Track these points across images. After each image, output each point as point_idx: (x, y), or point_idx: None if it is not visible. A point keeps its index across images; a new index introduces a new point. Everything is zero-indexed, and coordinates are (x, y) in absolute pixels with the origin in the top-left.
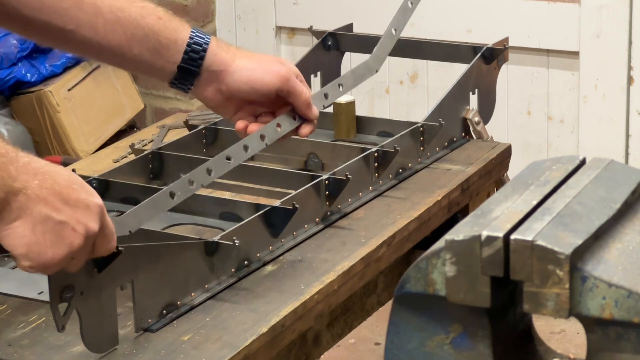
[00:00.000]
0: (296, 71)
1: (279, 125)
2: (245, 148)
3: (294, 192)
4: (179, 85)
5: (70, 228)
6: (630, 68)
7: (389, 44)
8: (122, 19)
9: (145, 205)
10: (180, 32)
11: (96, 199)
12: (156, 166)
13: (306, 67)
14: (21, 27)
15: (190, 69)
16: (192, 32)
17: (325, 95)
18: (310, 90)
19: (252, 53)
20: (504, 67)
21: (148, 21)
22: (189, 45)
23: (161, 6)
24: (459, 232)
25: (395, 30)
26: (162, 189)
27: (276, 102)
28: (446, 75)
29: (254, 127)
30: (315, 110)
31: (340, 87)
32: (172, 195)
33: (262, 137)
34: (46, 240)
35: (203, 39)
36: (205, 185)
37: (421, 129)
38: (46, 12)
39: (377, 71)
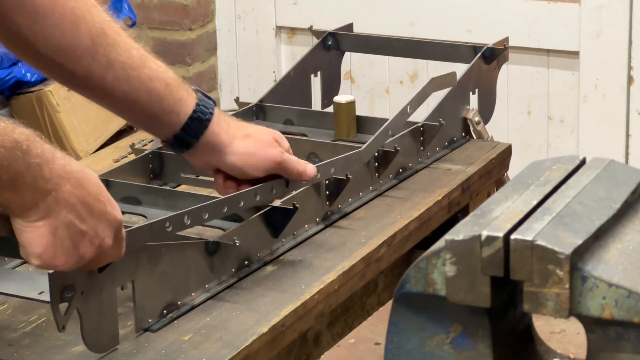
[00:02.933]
0: (287, 146)
1: (273, 189)
2: (239, 202)
3: (294, 192)
4: (172, 149)
5: (88, 239)
6: (630, 68)
7: (381, 141)
8: (132, 78)
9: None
10: (185, 103)
11: (117, 213)
12: (156, 166)
13: (306, 67)
14: (34, 61)
15: (187, 140)
16: (197, 105)
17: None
18: (300, 161)
19: (249, 131)
20: (504, 67)
21: (155, 85)
22: (191, 118)
23: (172, 71)
24: (459, 232)
25: (391, 131)
26: (162, 188)
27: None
28: None
29: None
30: (309, 173)
31: (332, 169)
32: (168, 226)
33: (256, 194)
34: (63, 246)
35: (205, 115)
36: (199, 224)
37: (421, 128)
38: (61, 54)
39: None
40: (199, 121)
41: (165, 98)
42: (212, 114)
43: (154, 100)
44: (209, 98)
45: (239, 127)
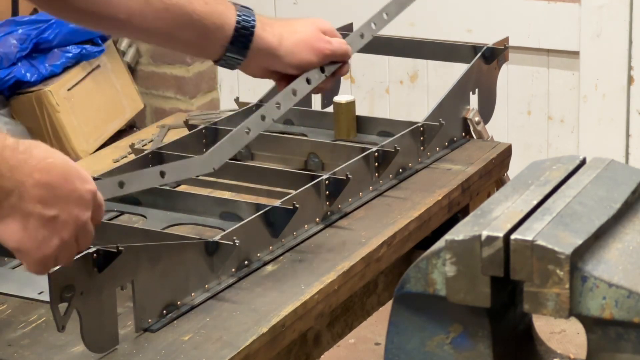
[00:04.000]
0: (332, 29)
1: (308, 80)
2: (294, 92)
3: (294, 192)
4: (226, 65)
5: (61, 221)
6: (630, 68)
7: None
8: (170, 7)
9: (224, 142)
10: (227, 16)
11: (88, 185)
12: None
13: None
14: (75, 17)
15: (238, 51)
16: (237, 15)
17: (362, 36)
18: (344, 42)
19: (295, 27)
20: (504, 67)
21: (195, 7)
22: (236, 29)
23: None
24: (459, 232)
25: None
26: (162, 188)
27: None
28: (446, 75)
29: None
30: (350, 54)
31: (385, 15)
32: (247, 131)
33: (294, 91)
34: (38, 236)
35: (249, 22)
36: (275, 119)
37: (421, 128)
38: (98, 3)
39: None
40: (244, 29)
41: (207, 16)
42: (255, 20)
43: (197, 21)
44: (245, 6)
45: (283, 26)
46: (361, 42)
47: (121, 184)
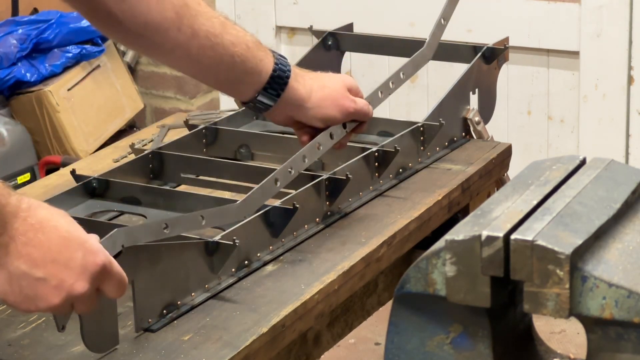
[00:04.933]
0: (356, 87)
1: (331, 135)
2: (319, 146)
3: (294, 192)
4: (253, 108)
5: (51, 286)
6: (630, 68)
7: (438, 33)
8: (215, 45)
9: (255, 192)
10: (265, 63)
11: (96, 258)
12: (156, 166)
13: (306, 66)
14: (124, 38)
15: (270, 97)
16: (275, 64)
17: (381, 93)
18: (366, 103)
19: (323, 81)
20: (504, 67)
21: (237, 50)
22: (272, 77)
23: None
24: (459, 232)
25: (443, 20)
26: (162, 188)
27: None
28: (446, 75)
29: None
30: (371, 114)
31: (402, 74)
32: (276, 180)
33: (319, 145)
34: (22, 294)
35: (284, 72)
36: (300, 171)
37: (421, 128)
38: (149, 29)
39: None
40: (279, 79)
41: (248, 60)
42: (290, 70)
43: (238, 63)
44: (281, 55)
45: (313, 79)
46: (380, 100)
47: (166, 227)
